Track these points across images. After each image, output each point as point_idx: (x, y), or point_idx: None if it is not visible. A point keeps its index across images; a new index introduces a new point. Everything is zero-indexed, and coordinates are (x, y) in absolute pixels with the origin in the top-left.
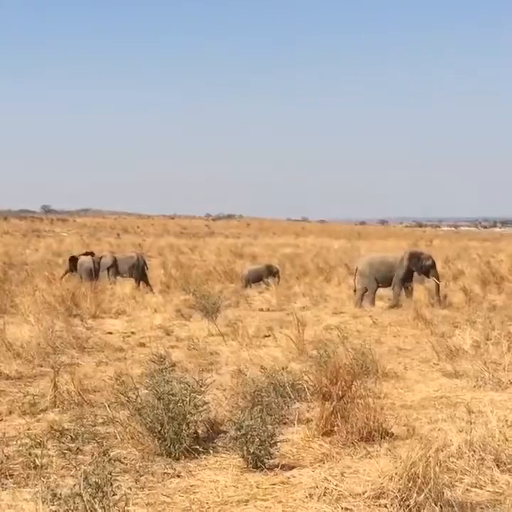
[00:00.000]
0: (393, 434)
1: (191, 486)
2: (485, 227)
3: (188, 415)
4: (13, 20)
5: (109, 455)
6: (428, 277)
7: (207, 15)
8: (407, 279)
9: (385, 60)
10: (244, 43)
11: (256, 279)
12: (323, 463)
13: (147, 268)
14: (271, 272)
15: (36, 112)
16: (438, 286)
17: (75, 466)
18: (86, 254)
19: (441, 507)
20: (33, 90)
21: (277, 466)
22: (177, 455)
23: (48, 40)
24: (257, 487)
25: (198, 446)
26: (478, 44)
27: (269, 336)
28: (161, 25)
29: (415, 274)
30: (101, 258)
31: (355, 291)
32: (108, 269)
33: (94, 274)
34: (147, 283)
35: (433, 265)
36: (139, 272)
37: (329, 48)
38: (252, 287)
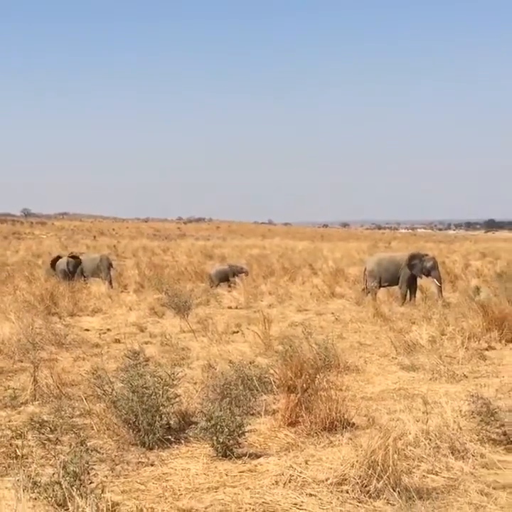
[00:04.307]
0: (354, 424)
1: (164, 474)
2: (440, 229)
3: (161, 407)
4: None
5: (86, 445)
6: (431, 277)
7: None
8: (412, 279)
9: (361, 66)
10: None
11: (223, 278)
12: (289, 451)
13: (113, 268)
14: (236, 271)
15: (18, 120)
16: (439, 287)
17: (54, 456)
18: (71, 256)
19: (399, 492)
20: (15, 97)
21: (245, 455)
22: (151, 445)
23: (39, 45)
24: (226, 475)
25: (170, 437)
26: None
27: (238, 332)
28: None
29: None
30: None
31: (364, 290)
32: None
33: (69, 274)
34: (110, 283)
35: (434, 266)
36: (104, 273)
37: (310, 60)
38: (220, 286)
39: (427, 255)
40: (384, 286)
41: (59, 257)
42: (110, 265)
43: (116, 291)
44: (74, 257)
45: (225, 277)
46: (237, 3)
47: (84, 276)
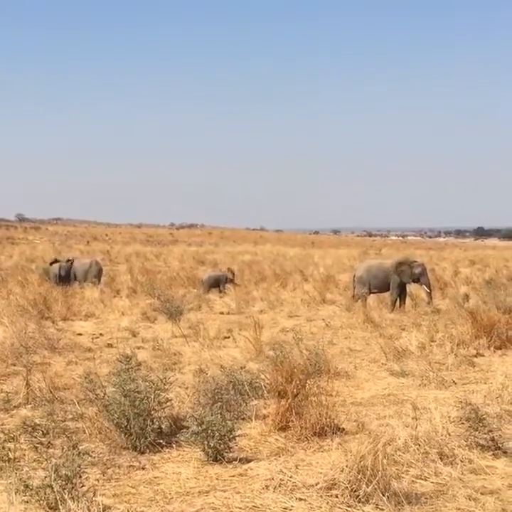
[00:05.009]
0: (344, 429)
1: (155, 477)
2: (430, 237)
3: (152, 411)
4: None
5: (78, 449)
6: (420, 284)
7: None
8: (401, 286)
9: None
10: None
11: (214, 284)
12: (279, 456)
13: (101, 273)
14: (228, 278)
15: (13, 125)
16: (429, 293)
17: (46, 459)
18: (68, 261)
19: (388, 497)
20: (12, 101)
21: (236, 459)
22: (142, 449)
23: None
24: (217, 479)
25: (161, 441)
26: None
27: (229, 337)
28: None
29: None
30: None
31: (353, 296)
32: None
33: (61, 279)
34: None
35: (423, 273)
36: (97, 278)
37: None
38: (212, 292)
39: (415, 262)
40: (373, 293)
41: (68, 261)
42: (100, 270)
43: (108, 296)
44: (68, 261)
45: (217, 283)
46: (237, 10)
47: (78, 281)
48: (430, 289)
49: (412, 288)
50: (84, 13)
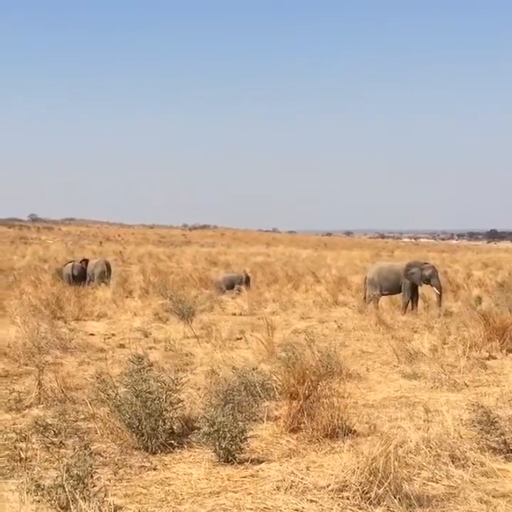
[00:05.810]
0: (356, 431)
1: (166, 478)
2: (443, 239)
3: (164, 412)
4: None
5: (89, 449)
6: (431, 286)
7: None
8: (413, 288)
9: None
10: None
11: (229, 285)
12: (290, 458)
13: (112, 273)
14: (242, 279)
15: (25, 125)
16: (439, 295)
17: (57, 459)
18: (82, 261)
19: (399, 499)
20: (22, 103)
21: (247, 461)
22: (153, 449)
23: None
24: (228, 480)
25: (173, 441)
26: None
27: (241, 338)
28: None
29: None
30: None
31: (365, 298)
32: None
33: (73, 279)
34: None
35: (434, 275)
36: (107, 277)
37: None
38: (226, 293)
39: (426, 263)
40: (385, 295)
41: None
42: (105, 271)
43: (120, 297)
44: (83, 260)
45: (231, 284)
46: (236, 12)
47: (90, 280)
48: (441, 292)
49: (424, 290)
50: (86, 15)
